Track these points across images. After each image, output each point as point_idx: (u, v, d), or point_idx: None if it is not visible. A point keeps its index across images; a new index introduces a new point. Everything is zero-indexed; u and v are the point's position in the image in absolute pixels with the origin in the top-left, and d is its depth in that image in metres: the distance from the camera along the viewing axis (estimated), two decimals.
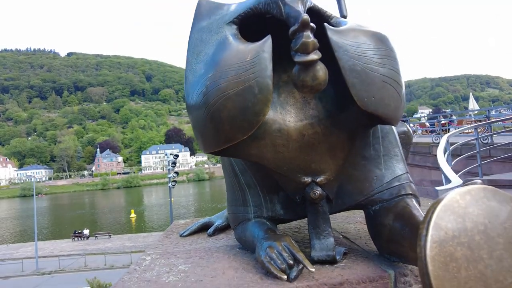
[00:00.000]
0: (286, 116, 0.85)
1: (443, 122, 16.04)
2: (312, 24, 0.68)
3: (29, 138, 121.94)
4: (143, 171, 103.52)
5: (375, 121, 0.80)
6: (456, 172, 5.51)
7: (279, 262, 0.84)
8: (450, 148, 4.81)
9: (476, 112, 15.22)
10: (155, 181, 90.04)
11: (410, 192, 0.92)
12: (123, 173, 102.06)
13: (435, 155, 4.75)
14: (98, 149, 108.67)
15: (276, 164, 0.89)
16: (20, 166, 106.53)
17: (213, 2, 0.93)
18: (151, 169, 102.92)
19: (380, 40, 0.76)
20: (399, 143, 0.99)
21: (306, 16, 0.67)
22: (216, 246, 1.23)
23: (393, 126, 1.00)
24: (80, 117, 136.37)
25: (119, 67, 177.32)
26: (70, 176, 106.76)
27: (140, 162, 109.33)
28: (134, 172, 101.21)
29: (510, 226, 0.61)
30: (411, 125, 18.05)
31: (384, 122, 0.80)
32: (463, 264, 0.57)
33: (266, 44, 0.72)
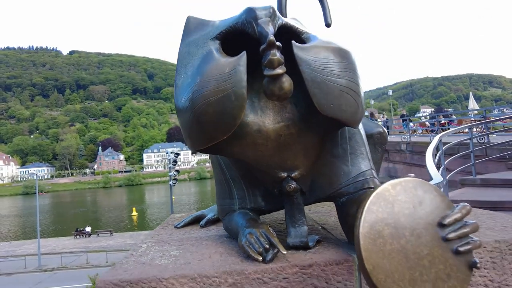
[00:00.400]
0: (265, 118, 0.96)
1: (443, 121, 16.11)
2: (278, 43, 0.80)
3: (32, 136, 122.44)
4: (144, 170, 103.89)
5: (338, 124, 0.92)
6: (450, 170, 5.62)
7: (256, 246, 0.96)
8: (444, 147, 4.91)
9: (476, 112, 15.29)
10: (156, 179, 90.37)
11: (373, 186, 1.03)
12: (125, 172, 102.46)
13: (443, 154, 4.86)
14: (100, 147, 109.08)
15: (256, 161, 1.01)
16: (23, 164, 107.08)
17: (200, 19, 1.05)
18: (152, 168, 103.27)
19: (341, 55, 0.88)
20: (365, 143, 1.11)
21: (272, 38, 0.79)
22: (206, 235, 1.35)
23: (361, 129, 1.12)
24: (82, 115, 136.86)
25: (121, 66, 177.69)
26: (72, 174, 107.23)
27: (141, 160, 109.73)
28: (135, 171, 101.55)
29: (430, 211, 0.73)
30: (412, 124, 18.16)
31: (345, 125, 0.92)
32: (388, 240, 0.69)
33: (241, 59, 0.84)
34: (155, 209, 43.51)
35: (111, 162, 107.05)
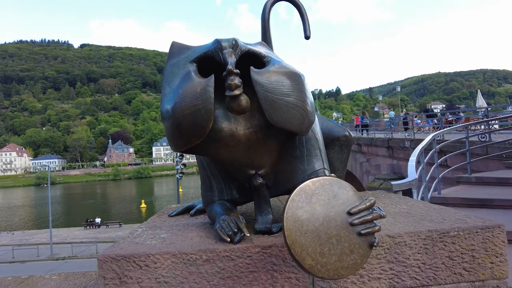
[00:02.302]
0: (238, 125, 1.17)
1: (449, 119, 16.04)
2: (236, 71, 1.01)
3: (44, 128, 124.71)
4: (154, 163, 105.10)
5: (290, 132, 1.13)
6: (446, 167, 5.73)
7: (227, 230, 1.18)
8: (439, 145, 5.05)
9: (483, 109, 15.19)
10: (165, 172, 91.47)
11: None
12: (134, 164, 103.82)
13: (436, 152, 5.01)
14: (110, 140, 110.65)
15: (229, 160, 1.22)
16: (35, 156, 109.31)
17: (182, 44, 1.26)
18: (161, 161, 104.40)
19: (290, 78, 1.08)
20: (320, 146, 1.31)
21: (230, 67, 1.00)
22: (193, 222, 1.57)
23: (317, 134, 1.32)
24: (93, 108, 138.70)
25: (131, 59, 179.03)
26: (82, 166, 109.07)
27: (151, 153, 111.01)
28: (145, 163, 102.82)
29: (342, 202, 0.93)
30: (419, 121, 18.10)
31: (295, 133, 1.13)
32: (305, 223, 0.89)
33: (210, 81, 1.05)
34: (164, 202, 44.17)
35: (120, 154, 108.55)
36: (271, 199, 1.33)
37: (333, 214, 0.91)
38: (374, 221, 0.95)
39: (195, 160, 1.64)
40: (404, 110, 19.51)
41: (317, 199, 0.92)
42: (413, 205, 1.65)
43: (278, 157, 1.24)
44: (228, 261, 1.14)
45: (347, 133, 1.59)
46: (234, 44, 1.08)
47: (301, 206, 0.90)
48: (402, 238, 1.20)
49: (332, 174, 0.99)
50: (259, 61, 1.14)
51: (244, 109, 1.04)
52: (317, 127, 1.37)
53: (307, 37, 1.88)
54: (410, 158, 3.18)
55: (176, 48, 1.24)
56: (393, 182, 2.47)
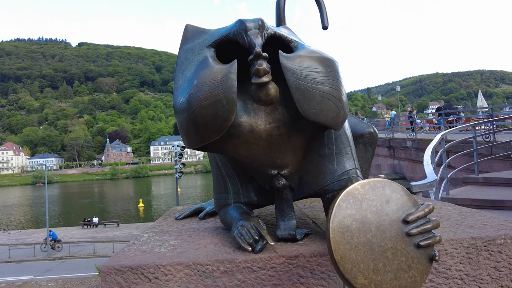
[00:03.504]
0: (258, 120, 1.03)
1: (450, 119, 15.96)
2: (264, 54, 0.87)
3: (41, 127, 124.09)
4: (151, 162, 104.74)
5: (323, 126, 0.99)
6: (455, 168, 5.63)
7: (247, 237, 1.04)
8: (447, 145, 4.93)
9: (485, 109, 15.08)
10: (163, 171, 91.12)
11: None
12: (132, 163, 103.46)
13: (436, 152, 4.89)
14: (107, 139, 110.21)
15: (248, 159, 1.09)
16: (32, 155, 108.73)
17: (197, 27, 1.12)
18: (159, 160, 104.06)
19: (324, 64, 0.94)
20: (350, 143, 1.18)
21: (258, 49, 0.86)
22: (204, 227, 1.43)
23: (347, 130, 1.19)
24: (90, 107, 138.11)
25: (129, 58, 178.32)
26: (80, 165, 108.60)
27: (149, 152, 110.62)
28: (143, 163, 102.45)
29: (396, 208, 0.80)
30: (419, 121, 17.98)
31: (328, 128, 0.99)
32: (356, 233, 0.76)
33: (232, 67, 0.91)
34: (162, 201, 43.96)
35: (118, 154, 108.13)
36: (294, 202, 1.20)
37: (387, 223, 0.79)
38: (433, 230, 0.82)
39: (192, 160, 1.50)
40: (410, 107, 19.06)
41: (367, 205, 0.79)
42: (441, 208, 1.53)
43: (304, 155, 1.11)
44: (249, 273, 1.01)
45: (372, 130, 1.46)
46: (261, 24, 0.94)
47: (350, 213, 0.77)
48: (443, 245, 1.07)
49: (382, 175, 0.86)
50: (286, 46, 1.00)
51: (272, 99, 0.91)
52: (346, 121, 1.23)
53: (325, 27, 1.74)
54: (425, 158, 3.06)
55: (191, 32, 1.10)
56: (413, 183, 2.34)
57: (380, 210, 0.79)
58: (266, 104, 0.93)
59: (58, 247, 20.72)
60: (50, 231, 21.13)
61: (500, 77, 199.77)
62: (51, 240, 20.54)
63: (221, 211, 1.30)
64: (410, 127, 13.88)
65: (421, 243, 0.80)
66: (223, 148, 1.07)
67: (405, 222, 0.81)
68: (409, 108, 18.51)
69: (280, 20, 1.72)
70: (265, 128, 1.02)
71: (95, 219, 29.98)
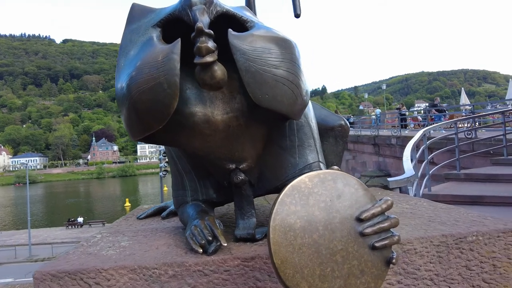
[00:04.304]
0: (215, 109, 0.94)
1: (434, 116, 16.16)
2: (208, 31, 0.78)
3: (24, 126, 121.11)
4: (138, 161, 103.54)
5: (282, 117, 0.90)
6: (434, 164, 5.65)
7: (199, 238, 0.95)
8: (429, 142, 4.93)
9: (468, 107, 15.30)
10: (150, 170, 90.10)
11: None
12: (119, 162, 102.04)
13: (427, 148, 4.88)
14: (93, 138, 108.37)
15: (204, 152, 0.99)
16: (15, 154, 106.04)
17: (144, 6, 1.01)
18: (146, 159, 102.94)
19: (280, 45, 0.85)
20: (314, 135, 1.09)
21: (200, 25, 0.77)
22: (164, 227, 1.33)
23: (311, 121, 1.10)
24: (76, 105, 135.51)
25: (116, 55, 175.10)
26: (65, 164, 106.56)
27: (135, 151, 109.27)
28: (129, 161, 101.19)
29: (349, 205, 0.71)
30: (409, 118, 18.11)
31: (284, 117, 0.90)
32: (300, 233, 0.67)
33: (175, 47, 0.81)
34: (149, 200, 43.44)
35: (104, 152, 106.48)
36: (255, 199, 1.11)
37: (337, 221, 0.69)
38: (391, 229, 0.74)
39: None
40: (401, 103, 19.01)
41: (315, 200, 0.70)
42: (416, 204, 1.46)
43: (264, 148, 1.02)
44: (201, 276, 0.92)
45: (343, 122, 1.38)
46: (208, 0, 0.84)
47: (294, 210, 0.68)
48: (412, 244, 1.00)
49: (335, 167, 0.77)
50: (241, 26, 0.91)
51: (219, 82, 0.81)
52: (310, 112, 1.15)
53: (297, 15, 1.66)
54: (404, 154, 3.02)
55: (137, 12, 1.00)
56: (390, 179, 2.28)
57: (329, 206, 0.70)
58: (212, 88, 0.83)
59: None
60: None
61: (482, 76, 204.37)
62: None
63: (179, 210, 1.20)
64: (399, 124, 13.89)
65: (376, 244, 0.71)
66: (176, 140, 0.98)
67: (359, 220, 0.72)
68: (399, 105, 18.52)
69: (250, 4, 1.63)
70: (222, 118, 0.93)
71: (80, 219, 29.43)
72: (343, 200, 0.71)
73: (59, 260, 0.99)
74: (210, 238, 0.94)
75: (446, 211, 1.29)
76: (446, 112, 16.19)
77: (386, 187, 2.45)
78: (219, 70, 0.80)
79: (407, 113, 16.29)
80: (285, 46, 0.86)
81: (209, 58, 0.77)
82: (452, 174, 5.42)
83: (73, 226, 28.68)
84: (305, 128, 1.07)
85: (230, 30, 0.84)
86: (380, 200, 0.75)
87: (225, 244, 0.91)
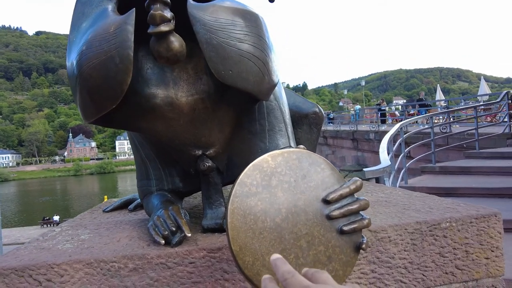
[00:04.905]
0: (178, 91, 0.87)
1: (412, 112, 16.55)
2: None
3: None
4: (117, 157, 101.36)
5: (251, 98, 0.84)
6: (411, 158, 5.76)
7: (162, 229, 0.88)
8: (405, 135, 5.01)
9: (443, 103, 15.73)
10: (129, 167, 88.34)
11: None
12: (97, 159, 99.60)
13: (404, 142, 4.96)
14: (70, 134, 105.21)
15: (167, 137, 0.93)
16: None
17: None
18: (125, 155, 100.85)
19: (245, 17, 0.79)
20: (286, 119, 1.04)
21: None
22: (129, 219, 1.26)
23: (282, 105, 1.05)
24: (51, 100, 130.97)
25: None
26: (40, 161, 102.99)
27: (114, 147, 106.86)
28: (108, 158, 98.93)
29: (315, 185, 0.66)
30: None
31: (253, 98, 0.85)
32: (261, 217, 0.62)
33: (129, 17, 0.73)
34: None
35: (82, 149, 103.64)
36: (224, 187, 1.05)
37: (302, 203, 0.64)
38: (361, 212, 0.70)
39: None
40: (381, 99, 19.15)
41: (279, 180, 0.64)
42: (391, 193, 1.45)
43: (232, 133, 0.96)
44: (164, 270, 0.86)
45: (317, 109, 1.34)
46: None
47: (255, 191, 0.62)
48: (386, 232, 0.97)
49: (301, 146, 0.72)
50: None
51: (176, 55, 0.74)
52: (282, 96, 1.09)
53: (271, 0, 1.60)
54: (381, 145, 3.03)
55: None
56: (365, 169, 2.27)
57: (294, 187, 0.65)
58: (169, 62, 0.76)
59: None
60: None
61: (456, 74, 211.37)
62: None
63: (144, 201, 1.13)
64: (379, 119, 14.12)
65: (345, 228, 0.66)
66: (136, 124, 0.90)
67: (326, 202, 0.66)
68: (379, 101, 18.73)
69: None
70: (187, 100, 0.86)
71: (56, 218, 28.53)
72: (308, 181, 0.66)
73: (6, 256, 0.90)
74: (174, 229, 0.88)
75: (421, 199, 1.27)
76: (431, 106, 16.43)
77: (364, 180, 2.45)
78: (176, 42, 0.73)
79: (386, 109, 16.55)
80: (251, 19, 0.80)
81: (164, 28, 0.70)
82: (427, 167, 5.55)
83: (48, 225, 27.77)
84: (276, 111, 1.01)
85: (189, 0, 0.77)
86: (349, 181, 0.71)
87: (189, 235, 0.85)
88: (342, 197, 0.68)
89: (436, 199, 1.27)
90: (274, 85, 0.85)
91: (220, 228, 0.96)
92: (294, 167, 0.66)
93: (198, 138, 0.92)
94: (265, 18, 0.85)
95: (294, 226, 0.62)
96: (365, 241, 0.68)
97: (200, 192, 1.11)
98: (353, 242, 0.66)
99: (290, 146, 1.00)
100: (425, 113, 13.12)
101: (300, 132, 1.30)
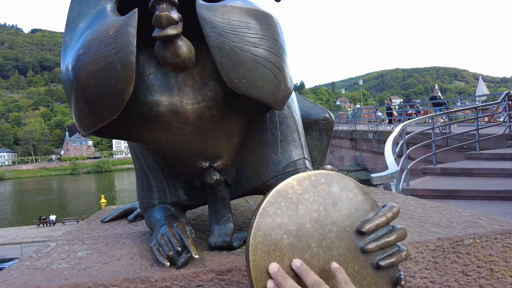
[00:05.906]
0: (184, 98, 0.80)
1: (410, 112, 16.53)
2: None
3: None
4: (114, 156, 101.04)
5: (262, 107, 0.77)
6: (412, 159, 5.71)
7: (166, 249, 0.81)
8: (406, 136, 4.96)
9: (442, 101, 15.67)
10: (126, 166, 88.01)
11: None
12: (94, 158, 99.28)
13: (397, 143, 4.91)
14: (67, 133, 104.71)
15: (171, 148, 0.86)
16: None
17: None
18: (123, 154, 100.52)
19: (259, 19, 0.72)
20: (299, 128, 0.98)
21: None
22: (130, 232, 1.18)
23: (295, 113, 0.98)
24: (47, 98, 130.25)
25: None
26: (36, 160, 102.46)
27: (111, 146, 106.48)
28: (105, 157, 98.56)
29: (347, 214, 0.59)
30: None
31: (266, 107, 0.78)
32: (288, 253, 0.54)
33: (131, 18, 0.66)
34: (125, 196, 42.44)
35: (78, 148, 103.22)
36: (232, 201, 0.99)
37: (333, 236, 0.56)
38: (398, 243, 0.63)
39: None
40: (388, 97, 18.68)
41: (307, 209, 0.56)
42: (404, 202, 1.38)
43: (242, 143, 0.89)
44: None
45: (327, 115, 1.27)
46: None
47: (280, 222, 0.55)
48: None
49: (328, 166, 0.65)
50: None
51: (184, 61, 0.67)
52: (294, 102, 1.02)
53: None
54: (386, 149, 2.98)
55: None
56: (373, 175, 2.21)
57: (324, 216, 0.57)
58: (176, 69, 0.69)
59: None
60: None
61: (453, 73, 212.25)
62: None
63: (145, 214, 1.06)
64: (387, 118, 13.87)
65: (382, 263, 0.59)
66: (137, 134, 0.83)
67: (360, 233, 0.59)
68: (386, 100, 18.33)
69: None
70: (193, 108, 0.79)
71: (52, 217, 28.34)
72: (340, 209, 0.59)
73: None
74: (180, 249, 0.80)
75: (437, 210, 1.21)
76: (446, 105, 15.82)
77: (363, 181, 2.39)
78: (184, 46, 0.65)
79: (392, 107, 16.35)
80: (266, 21, 0.72)
81: (171, 31, 0.62)
82: (429, 169, 5.50)
83: (45, 225, 27.58)
84: (289, 120, 0.94)
85: (198, 1, 0.69)
86: (383, 207, 0.64)
87: (197, 256, 0.78)
88: (379, 227, 0.61)
89: (453, 210, 1.20)
90: (290, 93, 0.78)
91: (228, 246, 0.90)
92: (323, 192, 0.58)
93: (205, 149, 0.85)
94: (279, 19, 0.77)
95: (326, 263, 0.55)
96: (402, 276, 0.61)
97: (204, 205, 1.04)
98: (389, 277, 0.60)
99: (304, 158, 0.93)
100: (439, 112, 12.45)
101: (310, 139, 1.23)
